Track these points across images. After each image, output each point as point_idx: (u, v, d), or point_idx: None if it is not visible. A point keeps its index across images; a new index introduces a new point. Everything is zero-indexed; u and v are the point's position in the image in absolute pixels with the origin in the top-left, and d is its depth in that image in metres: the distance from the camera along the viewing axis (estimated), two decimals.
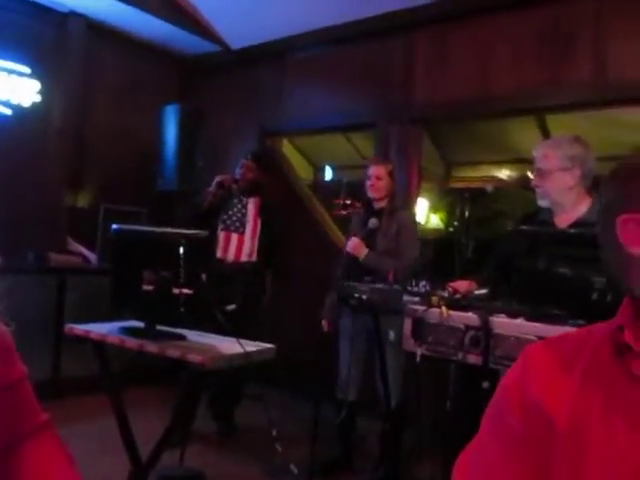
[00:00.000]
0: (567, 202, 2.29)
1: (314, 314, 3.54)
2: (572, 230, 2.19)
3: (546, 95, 3.79)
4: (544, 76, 3.77)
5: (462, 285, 2.32)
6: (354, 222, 3.51)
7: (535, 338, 1.77)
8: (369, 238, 3.21)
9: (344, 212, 6.82)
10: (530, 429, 0.80)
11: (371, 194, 3.32)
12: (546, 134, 5.07)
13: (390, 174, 3.33)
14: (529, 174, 2.44)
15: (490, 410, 0.89)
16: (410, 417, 3.22)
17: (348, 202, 7.05)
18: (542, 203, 2.37)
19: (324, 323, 3.43)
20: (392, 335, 2.98)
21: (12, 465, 0.93)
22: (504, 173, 6.55)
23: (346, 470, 3.34)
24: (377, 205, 3.33)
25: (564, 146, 2.30)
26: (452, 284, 2.30)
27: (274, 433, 2.92)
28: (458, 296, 2.15)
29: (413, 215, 3.38)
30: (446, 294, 2.17)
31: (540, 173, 2.32)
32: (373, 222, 3.20)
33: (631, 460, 0.71)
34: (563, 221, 2.29)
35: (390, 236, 3.22)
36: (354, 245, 3.19)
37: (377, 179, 3.28)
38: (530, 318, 1.88)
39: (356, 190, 6.46)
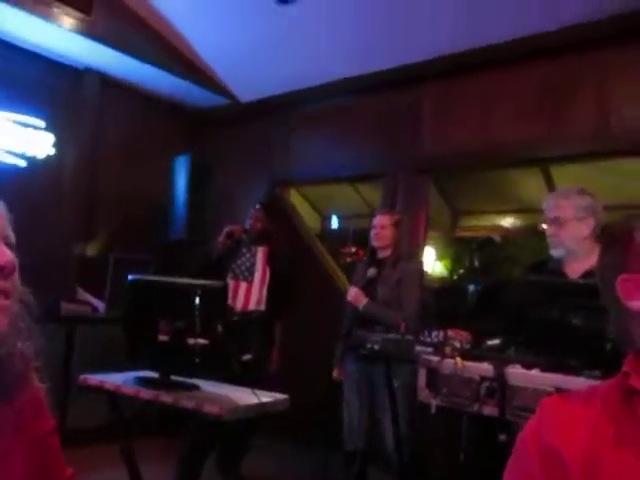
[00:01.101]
0: (581, 251, 2.29)
1: (321, 362, 3.53)
2: (585, 280, 2.20)
3: (548, 146, 3.88)
4: (545, 127, 3.86)
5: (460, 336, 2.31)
6: (357, 270, 3.55)
7: (552, 389, 1.77)
8: (369, 287, 3.24)
9: (349, 260, 6.86)
10: (548, 475, 0.83)
11: (375, 243, 3.38)
12: (551, 184, 5.14)
13: (395, 224, 3.38)
14: (542, 225, 2.44)
15: (511, 461, 0.92)
16: (423, 468, 3.17)
17: (353, 250, 7.10)
18: (555, 253, 2.37)
19: (335, 371, 3.41)
20: (396, 383, 2.99)
21: None
22: (508, 222, 6.61)
23: None
24: (381, 254, 3.38)
25: (575, 197, 2.33)
26: (451, 332, 2.30)
27: None
28: (467, 346, 2.15)
29: (417, 267, 3.42)
30: (458, 344, 2.17)
31: (556, 222, 2.32)
32: (371, 272, 3.26)
33: None
34: (575, 271, 2.30)
35: (390, 285, 3.24)
36: (353, 295, 3.23)
37: (381, 228, 3.34)
38: (545, 369, 1.88)
39: (363, 238, 6.51)
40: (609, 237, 0.98)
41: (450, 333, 2.25)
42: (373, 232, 3.37)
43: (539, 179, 5.22)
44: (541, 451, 0.85)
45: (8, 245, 0.82)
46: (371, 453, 3.26)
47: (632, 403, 0.80)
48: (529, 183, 5.48)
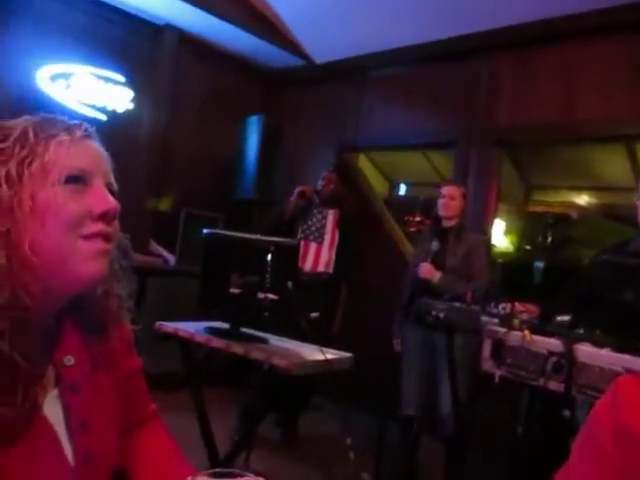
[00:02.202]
0: None
1: (383, 327, 3.57)
2: None
3: (636, 122, 3.69)
4: (635, 103, 3.67)
5: (528, 309, 2.29)
6: (421, 241, 3.60)
7: (622, 370, 1.74)
8: (435, 260, 3.27)
9: (414, 229, 6.80)
10: (621, 452, 0.82)
11: (442, 212, 3.40)
12: (635, 163, 4.91)
13: (463, 196, 3.41)
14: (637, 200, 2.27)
15: (581, 438, 0.92)
16: (479, 439, 3.19)
17: (418, 219, 7.03)
18: None
19: (396, 343, 3.46)
20: (457, 354, 3.00)
21: (129, 447, 1.00)
22: (583, 199, 6.39)
23: None
24: (446, 224, 3.40)
25: None
26: (518, 305, 2.28)
27: (348, 441, 2.94)
28: (534, 320, 2.13)
29: (484, 238, 3.43)
30: (526, 317, 2.15)
31: None
32: (435, 245, 3.28)
33: None
34: None
35: (459, 256, 3.27)
36: (426, 270, 3.24)
37: (450, 199, 3.37)
38: (616, 349, 1.84)
39: (431, 207, 6.44)
40: None
41: (518, 306, 2.23)
42: (441, 201, 3.39)
43: (622, 157, 5.00)
44: (615, 429, 0.85)
45: (111, 192, 0.87)
46: (426, 421, 3.30)
47: None
48: (611, 161, 5.25)
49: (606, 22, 3.73)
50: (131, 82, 4.82)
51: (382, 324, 3.70)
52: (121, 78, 4.77)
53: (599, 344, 1.89)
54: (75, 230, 0.80)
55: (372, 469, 2.90)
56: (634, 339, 1.86)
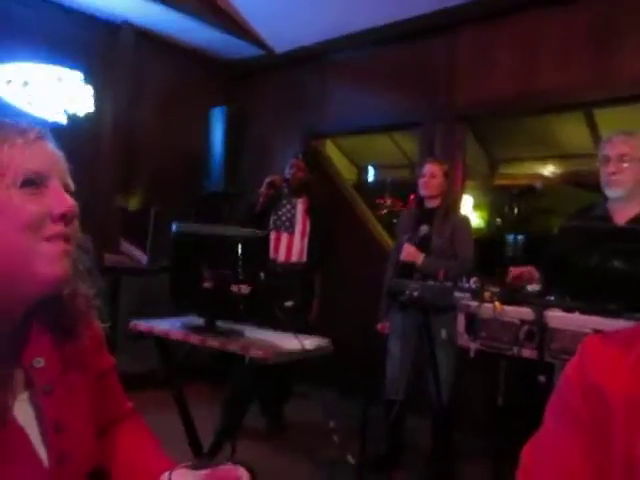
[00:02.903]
0: (635, 195, 2.21)
1: (360, 312, 3.58)
2: (627, 225, 2.17)
3: (594, 90, 3.74)
4: (592, 70, 3.72)
5: (524, 271, 2.31)
6: (403, 220, 3.53)
7: (591, 331, 1.78)
8: (420, 243, 3.21)
9: (385, 212, 6.85)
10: (590, 411, 0.84)
11: (423, 191, 3.33)
12: (594, 130, 5.00)
13: (445, 174, 3.34)
14: (601, 163, 2.26)
15: (553, 397, 0.94)
16: (461, 414, 3.24)
17: (389, 202, 7.07)
18: (612, 193, 2.26)
19: (380, 326, 3.40)
20: (444, 333, 3.00)
21: (107, 446, 1.00)
22: (548, 169, 6.48)
23: (396, 467, 3.36)
24: (429, 203, 3.35)
25: None
26: (514, 269, 2.30)
27: (332, 424, 2.96)
28: (497, 289, 2.15)
29: (467, 217, 3.37)
30: (497, 289, 2.18)
31: (621, 159, 2.20)
32: (424, 229, 3.20)
33: None
34: (623, 216, 2.22)
35: (445, 237, 3.23)
36: (409, 253, 3.19)
37: (431, 177, 3.30)
38: (585, 312, 1.88)
39: (400, 189, 6.49)
40: None
41: (514, 270, 2.25)
42: (422, 180, 3.32)
43: (581, 125, 5.09)
44: (584, 388, 0.86)
45: (69, 193, 0.86)
46: (412, 402, 3.33)
47: None
48: (571, 129, 5.33)
49: None
50: (91, 81, 4.73)
51: (360, 308, 3.72)
52: (80, 77, 4.69)
53: (569, 309, 1.93)
54: (36, 232, 0.79)
55: (357, 452, 2.93)
56: (603, 302, 1.91)
